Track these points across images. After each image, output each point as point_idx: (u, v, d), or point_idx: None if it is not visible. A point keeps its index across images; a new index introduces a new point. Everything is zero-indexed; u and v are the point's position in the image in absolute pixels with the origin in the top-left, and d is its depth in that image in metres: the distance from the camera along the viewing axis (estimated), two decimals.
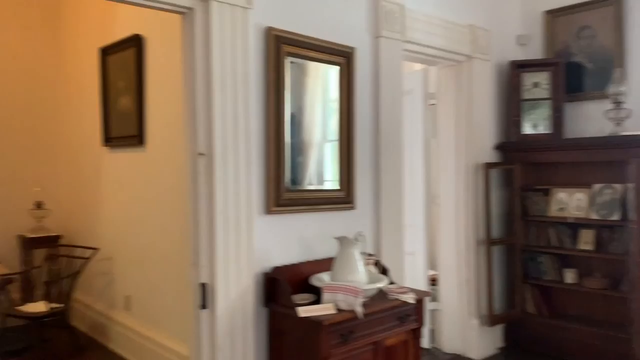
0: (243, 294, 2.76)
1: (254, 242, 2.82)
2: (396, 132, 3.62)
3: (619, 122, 3.92)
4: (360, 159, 3.41)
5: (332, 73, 3.27)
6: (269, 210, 2.92)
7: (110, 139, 4.54)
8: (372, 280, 2.87)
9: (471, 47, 4.21)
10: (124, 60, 4.24)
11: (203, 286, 2.67)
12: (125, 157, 4.39)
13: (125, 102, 4.28)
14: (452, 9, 4.11)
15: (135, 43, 4.08)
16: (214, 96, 2.66)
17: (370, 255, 3.20)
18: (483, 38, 4.30)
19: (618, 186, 3.92)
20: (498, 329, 4.43)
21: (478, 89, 4.28)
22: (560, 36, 4.46)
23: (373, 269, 3.13)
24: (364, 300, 2.66)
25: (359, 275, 2.80)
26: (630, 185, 3.75)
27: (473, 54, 4.22)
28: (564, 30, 4.44)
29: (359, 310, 2.59)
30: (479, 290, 4.26)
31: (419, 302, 2.98)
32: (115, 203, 4.56)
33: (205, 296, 2.67)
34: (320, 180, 3.28)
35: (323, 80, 3.27)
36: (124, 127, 4.29)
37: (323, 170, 3.30)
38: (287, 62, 3.00)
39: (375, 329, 2.73)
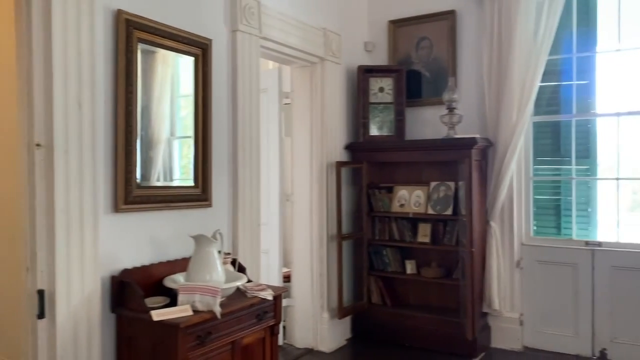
0: (88, 300, 2.51)
1: (100, 244, 2.57)
2: (254, 129, 3.59)
3: (452, 126, 4.34)
4: (217, 155, 3.32)
5: (187, 64, 3.13)
6: (117, 209, 2.69)
7: None
8: (230, 279, 2.80)
9: (324, 50, 4.34)
10: None
11: (40, 293, 2.37)
12: None
13: None
14: (307, 11, 4.20)
15: None
16: (53, 81, 2.38)
17: (227, 253, 3.13)
18: (335, 42, 4.45)
19: (451, 184, 4.33)
20: (347, 321, 4.63)
21: (330, 90, 4.42)
22: (403, 45, 4.81)
23: (231, 268, 3.06)
24: (222, 299, 2.59)
25: (217, 275, 2.72)
26: (462, 183, 4.17)
27: (326, 56, 4.35)
28: (405, 40, 4.80)
29: (218, 310, 2.50)
30: (329, 284, 4.40)
31: (276, 299, 2.98)
32: None
33: (43, 304, 2.37)
34: (173, 177, 3.12)
35: (177, 70, 3.12)
36: None
37: (176, 166, 3.14)
38: (139, 49, 2.80)
39: (233, 328, 2.67)
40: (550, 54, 4.14)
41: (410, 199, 4.54)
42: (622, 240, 4.09)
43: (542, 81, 4.17)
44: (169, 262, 2.92)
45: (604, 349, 4.03)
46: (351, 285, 4.64)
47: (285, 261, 4.75)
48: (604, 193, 4.36)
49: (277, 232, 4.38)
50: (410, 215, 4.49)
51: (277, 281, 4.31)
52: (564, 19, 4.14)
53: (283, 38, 3.90)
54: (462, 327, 4.09)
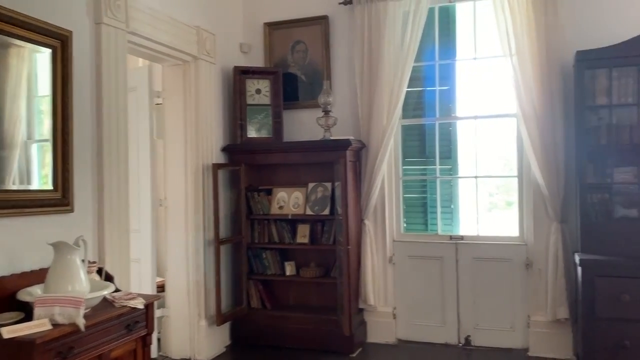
0: None
1: None
2: (122, 130, 3.38)
3: (328, 128, 4.43)
4: (80, 158, 3.07)
5: (45, 60, 2.86)
6: None
7: None
8: (95, 289, 2.59)
9: (198, 48, 4.21)
10: None
11: None
12: None
13: None
14: (179, 8, 4.05)
15: None
16: None
17: (92, 262, 2.90)
18: (209, 41, 4.35)
19: (328, 184, 4.42)
20: (226, 327, 4.52)
21: (205, 90, 4.30)
22: (279, 48, 4.83)
23: (96, 277, 2.84)
24: (86, 311, 2.38)
25: (80, 285, 2.50)
26: (338, 184, 4.27)
27: (199, 55, 4.23)
28: (281, 42, 4.82)
29: (81, 322, 2.29)
30: (207, 291, 4.27)
31: (148, 308, 2.81)
32: None
33: None
34: (31, 181, 2.83)
35: (34, 68, 2.84)
36: None
37: (35, 170, 2.86)
38: None
39: (100, 341, 2.46)
40: (416, 61, 4.39)
41: (289, 200, 4.56)
42: (482, 234, 4.45)
43: (409, 86, 4.41)
44: (24, 273, 2.63)
45: (469, 336, 4.34)
46: (230, 290, 4.54)
47: (160, 270, 4.53)
48: (465, 190, 4.72)
49: (150, 239, 4.16)
50: (290, 217, 4.50)
51: (150, 290, 4.09)
52: (427, 28, 4.42)
53: (153, 34, 3.72)
54: (340, 324, 4.18)
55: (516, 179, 4.32)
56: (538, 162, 3.94)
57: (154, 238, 4.22)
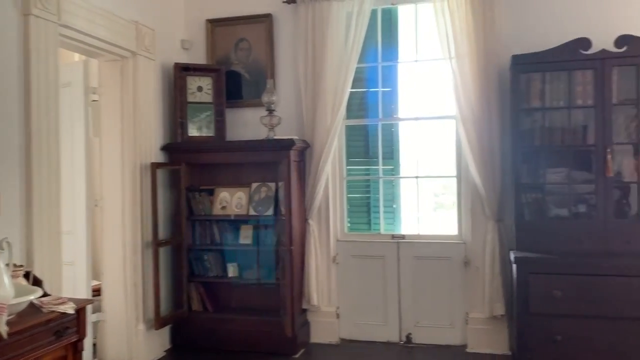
0: None
1: None
2: (52, 127, 3.22)
3: (271, 127, 4.39)
4: (5, 157, 2.91)
5: None
6: None
7: None
8: (21, 294, 2.44)
9: (136, 44, 4.08)
10: None
11: None
12: None
13: None
14: (116, 1, 3.90)
15: None
16: None
17: (19, 266, 2.74)
18: (148, 37, 4.21)
19: (272, 184, 4.38)
20: (165, 331, 4.40)
21: (144, 87, 4.17)
22: (221, 45, 4.75)
23: (23, 282, 2.68)
24: (10, 317, 2.25)
25: (4, 289, 2.34)
26: (282, 184, 4.24)
27: (138, 51, 4.09)
28: (224, 40, 4.74)
29: (4, 329, 2.16)
30: (145, 294, 4.14)
31: (80, 312, 2.69)
32: None
33: None
34: None
35: None
36: None
37: None
38: None
39: (26, 349, 2.33)
40: (359, 62, 4.41)
41: (231, 200, 4.49)
42: (422, 233, 4.53)
43: (353, 87, 4.43)
44: None
45: (410, 334, 4.41)
46: (170, 293, 4.42)
47: (96, 273, 4.35)
48: (406, 190, 4.79)
49: (85, 241, 3.99)
50: (232, 218, 4.44)
51: (85, 294, 3.92)
52: (370, 30, 4.45)
53: (88, 28, 3.57)
54: (283, 325, 4.15)
55: (455, 179, 4.42)
56: (475, 162, 4.05)
57: (89, 240, 4.05)
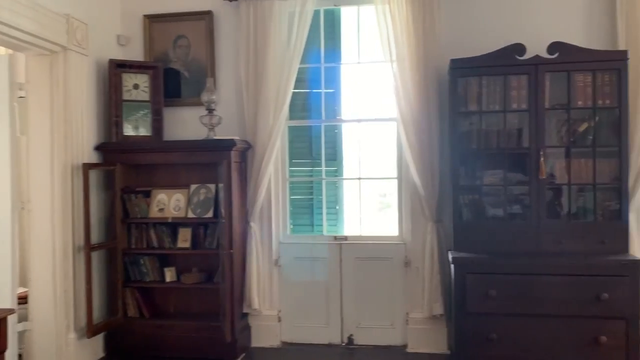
0: None
1: None
2: None
3: (212, 127, 4.29)
4: None
5: None
6: None
7: None
8: None
9: (67, 38, 3.88)
10: None
11: None
12: None
13: None
14: None
15: None
16: None
17: None
18: (80, 30, 4.02)
19: (212, 186, 4.28)
20: (99, 339, 4.22)
21: (76, 84, 3.97)
22: (160, 42, 4.59)
23: None
24: None
25: None
26: (221, 185, 4.14)
27: (69, 45, 3.89)
28: (162, 36, 4.59)
29: None
30: (77, 301, 3.95)
31: (1, 322, 2.52)
32: None
33: None
34: None
35: None
36: None
37: None
38: None
39: None
40: (302, 62, 4.38)
41: (169, 203, 4.35)
42: (364, 234, 4.54)
43: (296, 88, 4.39)
44: None
45: (351, 335, 4.41)
46: (105, 299, 4.24)
47: (23, 280, 4.12)
48: (350, 192, 4.79)
49: (9, 246, 3.73)
50: (170, 220, 4.30)
51: (10, 303, 3.68)
52: (313, 31, 4.43)
53: (12, 20, 3.36)
54: (222, 330, 4.05)
55: (396, 181, 4.45)
56: (415, 164, 4.09)
57: (15, 245, 3.81)
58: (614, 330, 3.45)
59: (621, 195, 3.70)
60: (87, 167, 3.98)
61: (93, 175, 4.10)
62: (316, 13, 4.44)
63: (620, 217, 3.71)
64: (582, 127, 3.80)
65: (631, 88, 3.71)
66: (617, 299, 3.43)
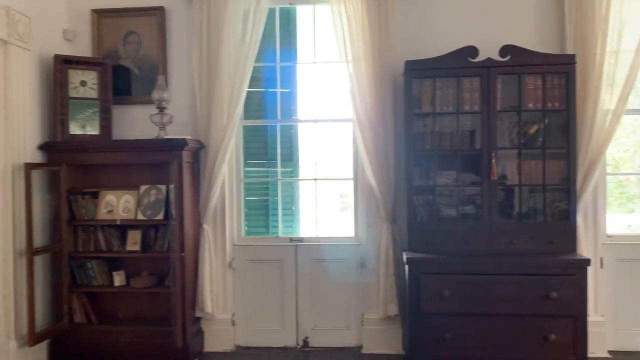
0: None
1: None
2: None
3: (163, 126, 4.16)
4: None
5: None
6: None
7: None
8: None
9: (8, 32, 3.68)
10: None
11: None
12: None
13: None
14: None
15: None
16: None
17: None
18: (23, 24, 3.82)
19: (163, 187, 4.15)
20: (43, 347, 4.02)
21: (17, 79, 3.78)
22: (108, 38, 4.43)
23: None
24: None
25: None
26: (172, 186, 4.02)
27: (9, 39, 3.70)
28: (111, 32, 4.43)
29: None
30: (18, 307, 3.76)
31: None
32: None
33: None
34: None
35: None
36: None
37: None
38: None
39: None
40: (258, 61, 4.31)
41: (118, 204, 4.19)
42: (320, 235, 4.50)
43: (251, 87, 4.32)
44: None
45: (307, 337, 4.36)
46: (49, 305, 4.06)
47: None
48: (306, 193, 4.74)
49: None
50: (118, 222, 4.14)
51: None
52: (269, 29, 4.37)
53: None
54: (173, 335, 3.93)
55: (352, 181, 4.43)
56: (371, 165, 4.08)
57: None
58: (562, 328, 3.53)
59: (569, 196, 3.79)
60: (29, 167, 3.79)
61: (36, 175, 3.91)
62: (272, 11, 4.38)
63: (568, 218, 3.80)
64: (533, 129, 3.87)
65: (579, 91, 3.80)
66: (565, 298, 3.51)
